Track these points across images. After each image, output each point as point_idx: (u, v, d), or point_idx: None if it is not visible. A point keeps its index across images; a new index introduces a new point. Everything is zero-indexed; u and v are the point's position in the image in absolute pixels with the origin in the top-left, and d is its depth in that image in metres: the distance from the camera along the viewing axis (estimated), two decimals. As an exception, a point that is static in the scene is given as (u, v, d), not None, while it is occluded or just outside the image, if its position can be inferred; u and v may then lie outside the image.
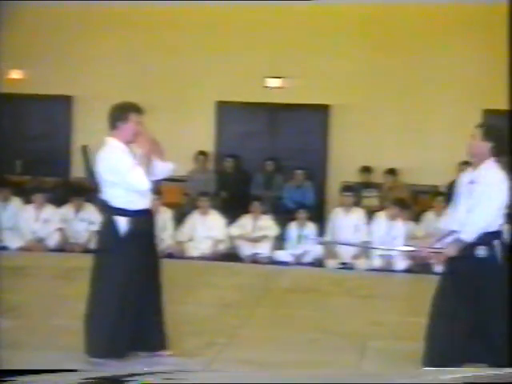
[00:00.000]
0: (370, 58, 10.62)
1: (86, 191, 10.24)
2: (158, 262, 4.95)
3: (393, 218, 8.84)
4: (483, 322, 4.60)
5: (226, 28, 10.78)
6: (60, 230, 9.34)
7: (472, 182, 4.62)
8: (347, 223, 8.99)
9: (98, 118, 10.95)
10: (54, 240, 9.27)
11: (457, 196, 4.79)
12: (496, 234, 4.59)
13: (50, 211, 9.45)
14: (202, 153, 10.72)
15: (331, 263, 8.84)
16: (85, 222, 9.43)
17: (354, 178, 10.41)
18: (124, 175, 4.62)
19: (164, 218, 9.42)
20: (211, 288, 7.24)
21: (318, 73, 10.68)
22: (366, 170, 10.51)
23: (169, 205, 9.60)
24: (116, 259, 4.70)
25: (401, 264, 8.64)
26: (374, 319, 6.20)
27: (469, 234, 4.54)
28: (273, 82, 10.94)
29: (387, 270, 8.62)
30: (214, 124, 11.18)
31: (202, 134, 11.07)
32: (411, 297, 7.38)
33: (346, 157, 10.60)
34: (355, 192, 9.54)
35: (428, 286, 8.10)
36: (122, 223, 4.70)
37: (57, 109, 11.36)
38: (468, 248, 4.56)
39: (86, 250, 9.20)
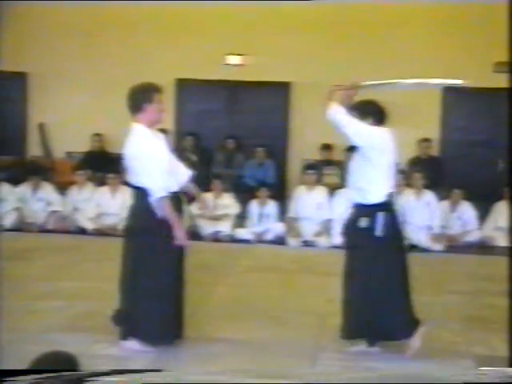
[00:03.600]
0: (330, 36, 10.58)
1: (43, 170, 10.09)
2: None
3: (353, 195, 8.86)
4: (358, 291, 4.68)
5: (186, 5, 10.60)
6: (17, 209, 9.18)
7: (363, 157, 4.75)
8: (310, 201, 9.00)
9: (54, 94, 10.96)
10: (10, 220, 9.11)
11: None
12: (380, 206, 4.61)
13: (6, 190, 9.27)
14: (162, 131, 10.55)
15: (293, 241, 8.85)
16: (42, 202, 9.29)
17: (314, 155, 10.40)
18: (147, 176, 4.58)
19: (124, 196, 9.31)
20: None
21: (279, 50, 10.60)
22: (327, 147, 10.50)
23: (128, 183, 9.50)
24: (151, 240, 4.63)
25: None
26: (333, 296, 6.21)
27: (374, 197, 4.61)
28: (233, 60, 10.83)
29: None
30: (174, 102, 11.04)
31: (162, 112, 10.92)
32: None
33: (306, 134, 10.57)
34: (317, 170, 9.55)
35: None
36: (159, 208, 4.62)
37: (11, 86, 11.10)
38: (352, 219, 4.67)
39: (44, 230, 9.09)
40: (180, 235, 4.66)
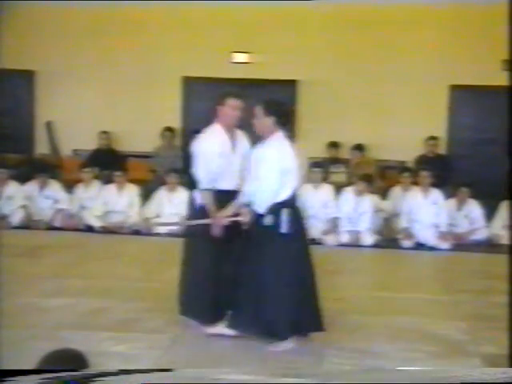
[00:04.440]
0: (337, 34, 10.57)
1: (50, 168, 10.11)
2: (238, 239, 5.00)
3: (360, 193, 8.87)
4: (262, 286, 4.72)
5: (193, 3, 10.61)
6: (24, 207, 9.20)
7: (257, 157, 4.77)
8: (316, 199, 8.98)
9: (62, 92, 10.99)
10: (17, 217, 9.13)
11: (248, 170, 4.89)
12: (284, 204, 4.69)
13: (13, 188, 9.30)
14: (169, 129, 10.61)
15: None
16: (49, 200, 9.31)
17: (321, 153, 10.40)
18: (199, 167, 5.00)
19: (131, 194, 9.33)
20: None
21: (285, 48, 10.60)
22: (334, 145, 10.51)
23: (135, 181, 9.52)
24: (194, 234, 5.06)
25: (369, 239, 8.70)
26: (341, 295, 6.21)
27: (260, 206, 4.69)
28: (239, 58, 10.83)
29: (356, 245, 8.66)
30: (181, 100, 11.06)
31: (169, 110, 10.95)
32: (377, 271, 7.45)
33: (313, 132, 10.56)
34: (323, 168, 9.53)
35: (394, 260, 8.21)
36: (198, 198, 5.01)
37: (19, 84, 11.13)
38: (257, 216, 4.74)
39: (51, 228, 9.10)
40: (214, 228, 4.90)
